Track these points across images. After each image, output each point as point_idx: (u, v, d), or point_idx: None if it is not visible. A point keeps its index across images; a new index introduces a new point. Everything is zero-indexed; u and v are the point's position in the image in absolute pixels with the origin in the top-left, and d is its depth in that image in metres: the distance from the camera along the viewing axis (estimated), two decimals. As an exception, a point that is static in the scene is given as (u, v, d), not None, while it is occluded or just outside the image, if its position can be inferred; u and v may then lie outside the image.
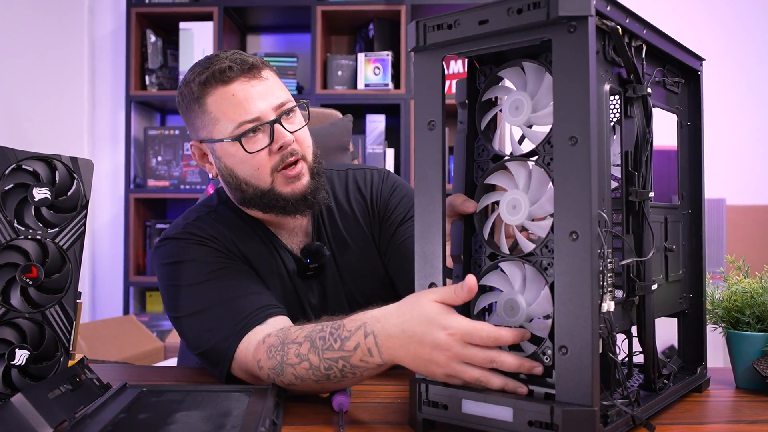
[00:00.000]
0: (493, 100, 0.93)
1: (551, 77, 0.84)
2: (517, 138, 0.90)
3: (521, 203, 0.84)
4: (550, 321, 0.83)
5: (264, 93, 1.19)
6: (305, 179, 1.22)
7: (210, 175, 1.27)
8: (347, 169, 1.42)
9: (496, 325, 0.85)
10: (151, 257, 1.27)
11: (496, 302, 0.88)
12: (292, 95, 3.34)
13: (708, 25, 3.43)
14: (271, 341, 1.04)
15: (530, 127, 0.87)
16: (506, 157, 0.89)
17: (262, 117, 1.18)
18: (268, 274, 1.26)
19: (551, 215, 0.82)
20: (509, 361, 0.84)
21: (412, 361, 0.88)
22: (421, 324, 0.87)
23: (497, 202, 0.88)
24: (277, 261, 1.28)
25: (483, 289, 0.90)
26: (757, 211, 3.09)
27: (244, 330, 1.09)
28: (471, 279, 0.84)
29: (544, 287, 0.83)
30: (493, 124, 0.93)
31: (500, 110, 0.90)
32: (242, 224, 1.28)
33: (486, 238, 0.90)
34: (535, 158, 0.86)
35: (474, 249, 0.92)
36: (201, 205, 1.33)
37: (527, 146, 0.88)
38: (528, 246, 0.85)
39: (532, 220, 0.85)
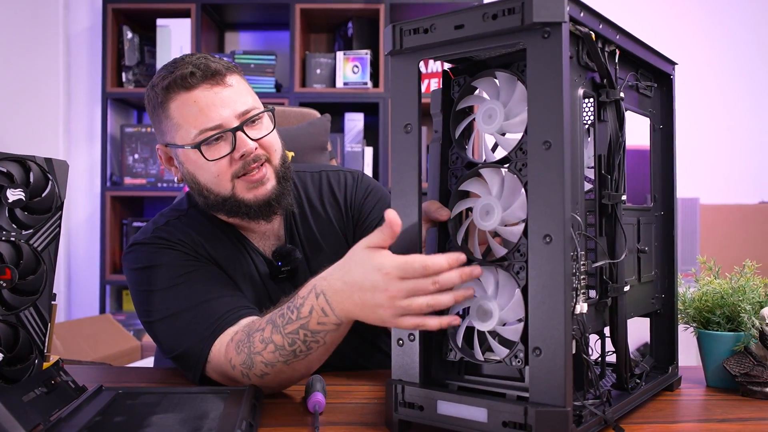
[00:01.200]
0: (467, 109, 0.94)
1: (523, 86, 0.85)
2: (490, 146, 0.91)
3: (494, 209, 0.85)
4: (521, 325, 0.84)
5: (227, 100, 1.17)
6: (270, 184, 1.21)
7: (176, 179, 1.26)
8: (321, 170, 1.41)
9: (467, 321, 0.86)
10: (121, 262, 1.27)
11: (469, 307, 0.89)
12: (271, 93, 3.32)
13: (681, 26, 3.47)
14: (238, 337, 1.05)
15: (503, 134, 0.88)
16: (479, 165, 0.90)
17: (224, 124, 1.16)
18: (239, 277, 1.25)
19: (523, 221, 0.83)
20: (451, 276, 0.84)
21: (362, 311, 0.90)
22: (357, 271, 0.89)
23: (471, 208, 0.89)
24: (249, 264, 1.27)
25: None
26: (730, 210, 3.14)
27: (216, 332, 1.09)
28: (391, 213, 0.85)
29: (516, 291, 0.84)
30: (467, 132, 0.94)
31: (473, 119, 0.91)
32: (212, 228, 1.27)
33: (459, 244, 0.91)
34: (507, 165, 0.87)
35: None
36: (171, 209, 1.32)
37: (500, 153, 0.89)
38: (500, 251, 0.86)
39: (505, 226, 0.86)
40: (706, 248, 2.96)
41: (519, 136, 0.85)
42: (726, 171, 3.44)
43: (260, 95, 1.26)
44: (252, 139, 1.18)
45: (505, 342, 0.86)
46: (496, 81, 0.89)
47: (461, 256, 0.85)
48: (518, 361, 0.84)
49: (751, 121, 3.50)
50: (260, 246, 1.30)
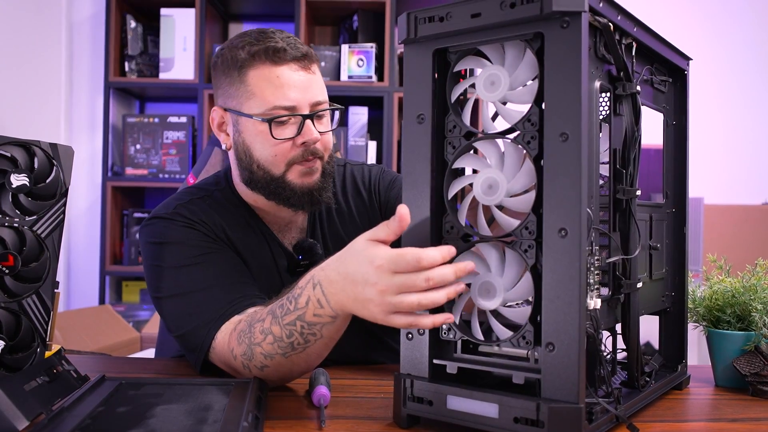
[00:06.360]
0: (464, 73, 0.90)
1: (532, 54, 0.81)
2: (490, 115, 0.87)
3: (498, 182, 0.82)
4: (529, 308, 0.81)
5: (307, 86, 1.18)
6: (317, 176, 1.21)
7: (224, 146, 1.25)
8: (345, 163, 1.41)
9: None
10: (138, 234, 1.26)
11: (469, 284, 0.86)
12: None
13: (694, 25, 3.45)
14: (240, 327, 1.04)
15: (504, 104, 0.85)
16: (480, 134, 0.85)
17: (297, 108, 1.17)
18: (256, 267, 1.24)
19: (528, 190, 0.80)
20: (444, 272, 0.80)
21: (354, 305, 0.86)
22: (351, 263, 0.86)
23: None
24: (268, 255, 1.26)
25: None
26: (734, 210, 3.13)
27: (224, 318, 1.08)
28: (402, 209, 0.82)
29: (525, 271, 0.82)
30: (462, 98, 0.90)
31: (472, 84, 0.86)
32: (236, 212, 1.26)
33: (462, 222, 0.86)
34: (513, 135, 0.83)
35: (445, 230, 0.88)
36: (196, 187, 1.31)
37: (500, 124, 0.85)
38: (512, 224, 0.82)
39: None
40: (709, 249, 2.94)
41: (524, 107, 0.82)
42: (730, 171, 3.42)
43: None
44: (317, 131, 1.18)
45: (510, 326, 0.83)
46: (502, 45, 0.85)
47: (452, 249, 0.81)
48: (526, 343, 0.81)
49: (756, 122, 3.48)
50: (282, 238, 1.28)
